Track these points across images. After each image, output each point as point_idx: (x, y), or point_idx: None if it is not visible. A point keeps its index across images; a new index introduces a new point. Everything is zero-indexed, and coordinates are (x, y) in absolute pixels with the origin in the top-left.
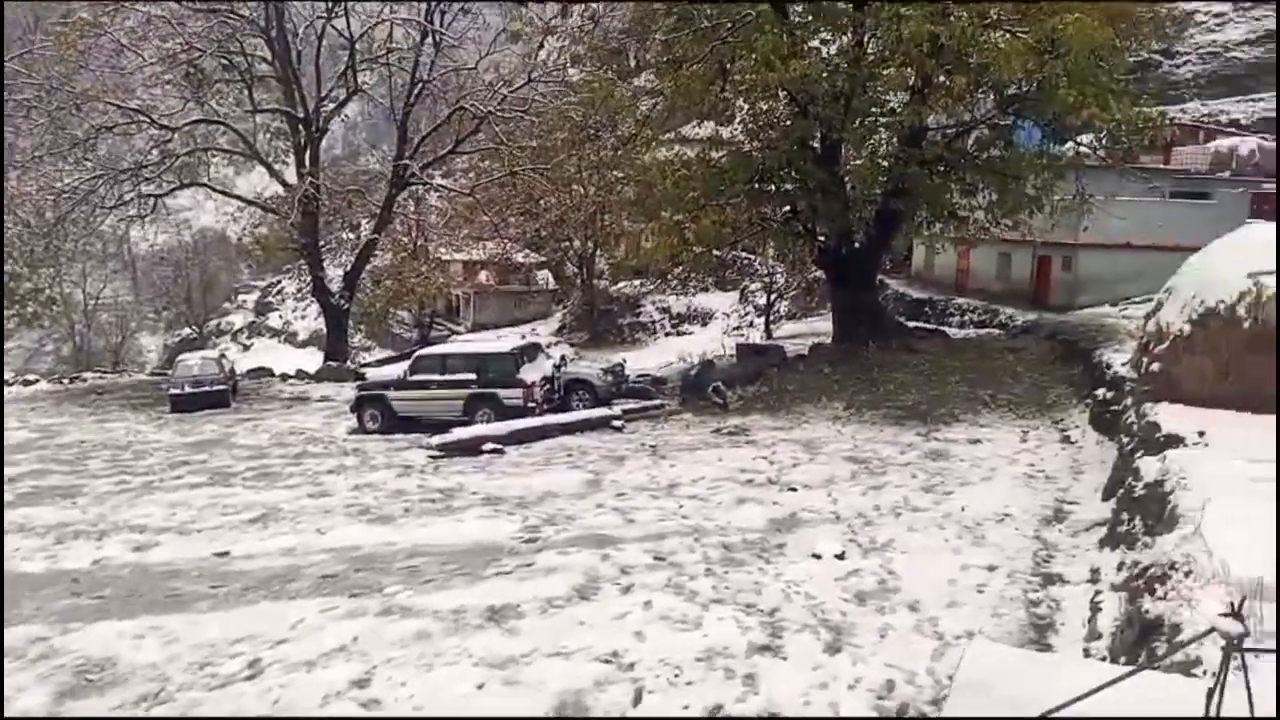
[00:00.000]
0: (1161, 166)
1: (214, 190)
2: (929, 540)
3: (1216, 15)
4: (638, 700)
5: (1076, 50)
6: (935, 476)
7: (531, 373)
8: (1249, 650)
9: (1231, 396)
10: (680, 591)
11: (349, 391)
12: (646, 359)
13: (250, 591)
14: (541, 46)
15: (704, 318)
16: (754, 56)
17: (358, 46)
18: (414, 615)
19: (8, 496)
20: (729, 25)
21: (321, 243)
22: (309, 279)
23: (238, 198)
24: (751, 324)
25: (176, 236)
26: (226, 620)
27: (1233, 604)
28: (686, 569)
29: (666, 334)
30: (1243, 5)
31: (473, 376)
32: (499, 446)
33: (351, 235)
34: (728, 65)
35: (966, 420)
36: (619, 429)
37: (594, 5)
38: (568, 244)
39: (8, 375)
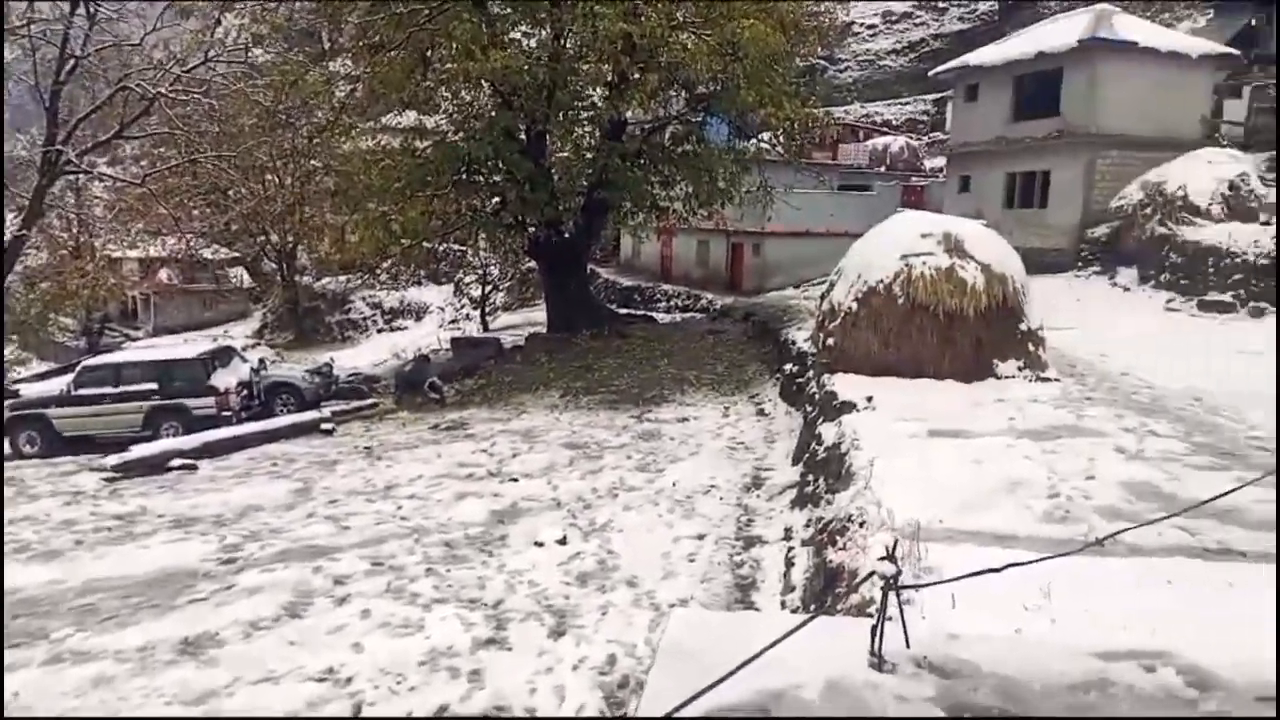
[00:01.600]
0: (830, 162)
1: None
2: (644, 517)
3: (869, 27)
4: (356, 715)
5: (753, 55)
6: (648, 456)
7: (225, 378)
8: (904, 587)
9: (892, 364)
10: (400, 595)
11: None
12: (358, 357)
13: None
14: (218, 23)
15: (418, 312)
16: (454, 46)
17: None
18: (90, 659)
19: None
20: (427, 13)
21: None
22: None
23: None
24: (468, 317)
25: None
26: None
27: (887, 547)
28: (407, 571)
29: (379, 330)
30: (891, 19)
31: (154, 386)
32: (190, 462)
33: None
34: (428, 53)
35: (675, 400)
36: (329, 432)
37: None
38: (264, 238)
39: None
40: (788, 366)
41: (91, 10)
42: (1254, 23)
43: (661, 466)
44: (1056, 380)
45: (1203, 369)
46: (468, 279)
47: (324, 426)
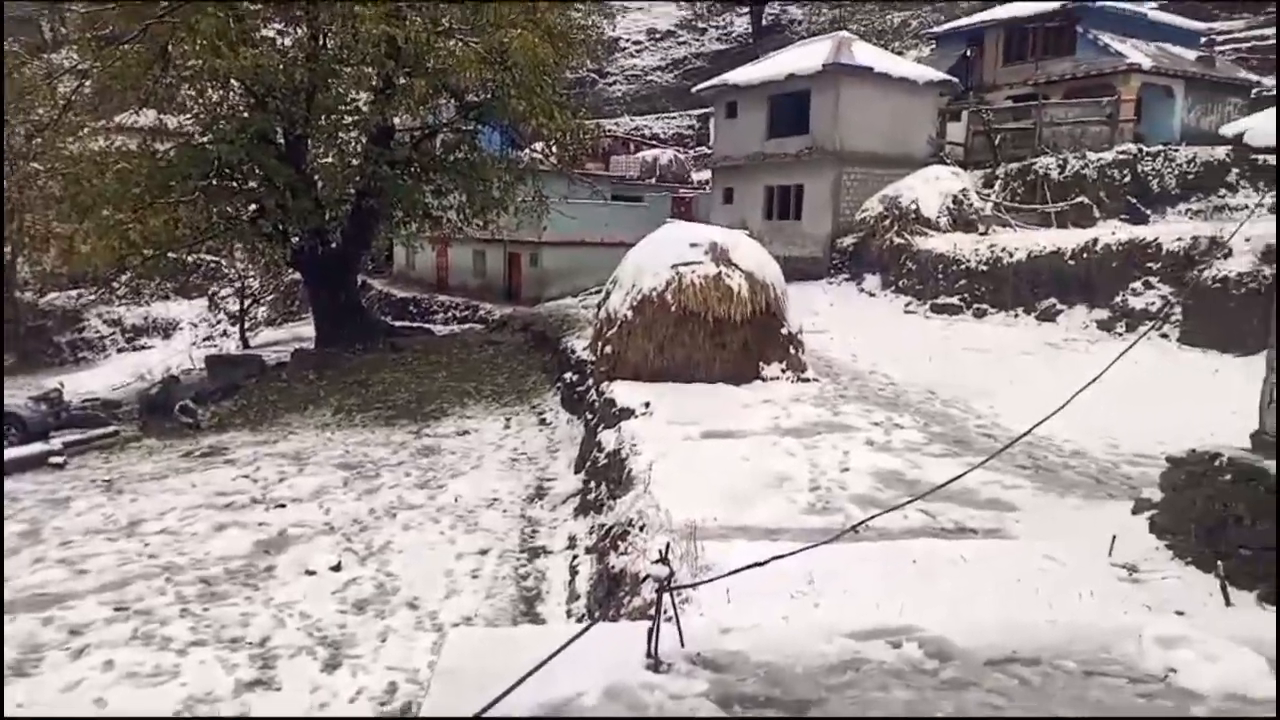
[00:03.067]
0: (603, 173)
1: None
2: (425, 535)
3: (636, 44)
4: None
5: (523, 64)
6: (428, 472)
7: None
8: (678, 588)
9: (668, 369)
10: (150, 641)
11: None
12: (95, 380)
13: None
14: None
15: (166, 329)
16: (198, 41)
17: None
18: None
19: None
20: (165, 4)
21: None
22: None
23: None
24: (225, 334)
25: None
26: None
27: (660, 550)
28: (157, 614)
29: (120, 350)
30: (655, 37)
31: None
32: None
33: None
34: (169, 47)
35: (455, 414)
36: (60, 466)
37: None
38: None
39: None
40: (568, 375)
41: None
42: (968, 54)
43: (442, 482)
44: (815, 380)
45: (937, 366)
46: (224, 292)
47: (53, 460)
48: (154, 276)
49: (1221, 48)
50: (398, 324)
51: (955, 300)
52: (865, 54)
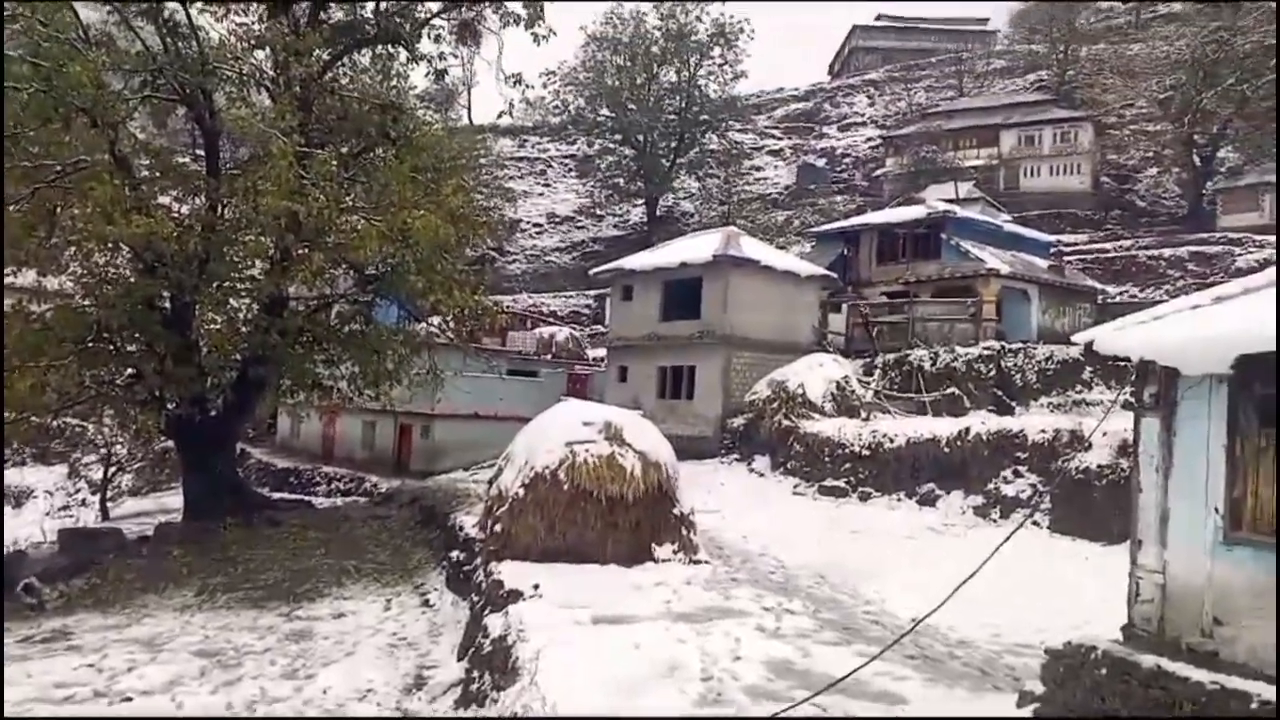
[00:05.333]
0: (499, 348)
1: None
2: None
3: (536, 225)
4: None
5: (424, 243)
6: (297, 659)
7: None
8: None
9: (559, 549)
10: None
11: None
12: None
13: None
14: None
15: (18, 498)
16: (90, 206)
17: None
18: None
19: None
20: (58, 168)
21: None
22: None
23: None
24: (84, 503)
25: None
26: None
27: None
28: None
29: None
30: (555, 220)
31: None
32: None
33: None
34: (56, 210)
35: (331, 594)
36: None
37: None
38: None
39: None
40: (455, 554)
41: None
42: (845, 253)
43: (312, 671)
44: (707, 563)
45: (825, 549)
46: (87, 459)
47: None
48: (12, 442)
49: (1069, 257)
50: (276, 496)
51: (841, 483)
52: (752, 247)
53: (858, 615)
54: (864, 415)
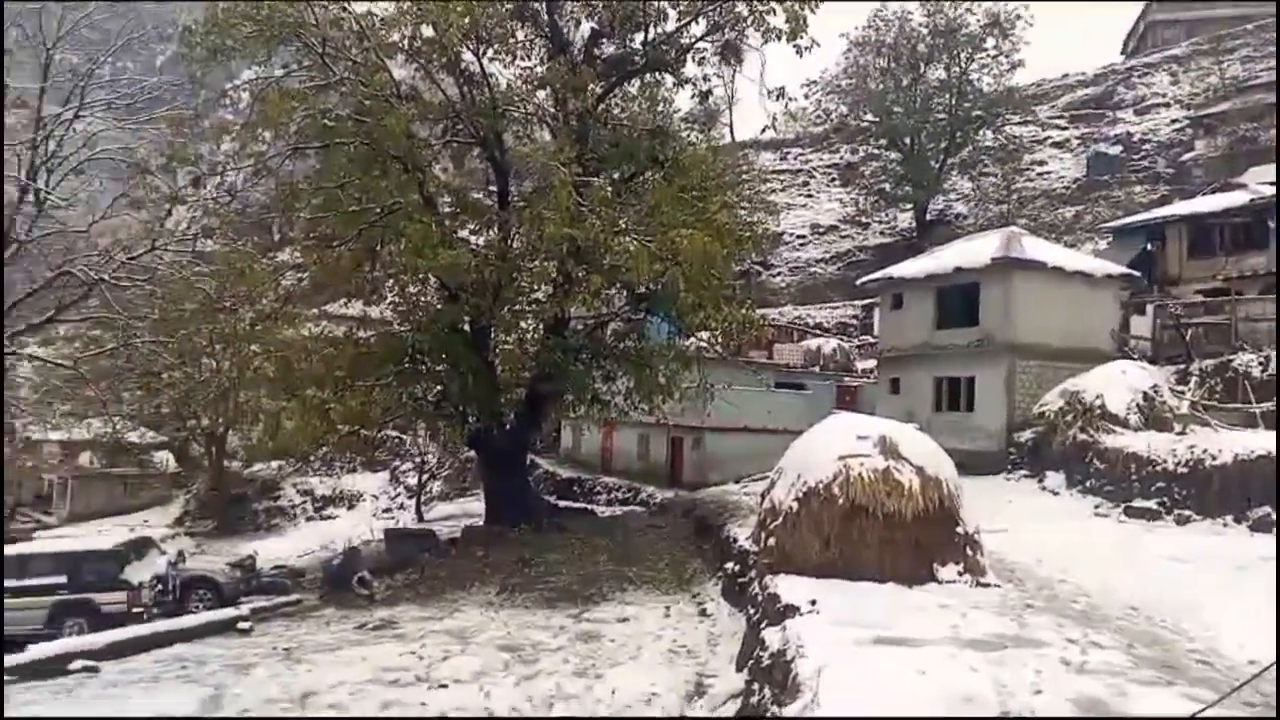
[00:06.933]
0: (766, 361)
1: None
2: None
3: (800, 237)
4: None
5: (692, 260)
6: (587, 659)
7: (140, 572)
8: None
9: (834, 565)
10: None
11: None
12: (285, 548)
13: None
14: (169, 214)
15: (351, 500)
16: (404, 243)
17: None
18: None
19: None
20: (378, 210)
21: None
22: None
23: None
24: (403, 506)
25: None
26: None
27: None
28: None
29: (309, 518)
30: (819, 231)
31: (62, 580)
32: (92, 664)
33: None
34: (377, 248)
35: (615, 599)
36: (246, 631)
37: (231, 178)
38: (194, 422)
39: None
40: (729, 565)
41: (40, 197)
42: (1149, 248)
43: (601, 671)
44: (996, 586)
45: (1136, 576)
46: (404, 467)
47: (241, 625)
48: (347, 451)
49: None
50: (562, 504)
51: (1153, 504)
52: (1036, 248)
53: (1180, 653)
54: (1178, 429)
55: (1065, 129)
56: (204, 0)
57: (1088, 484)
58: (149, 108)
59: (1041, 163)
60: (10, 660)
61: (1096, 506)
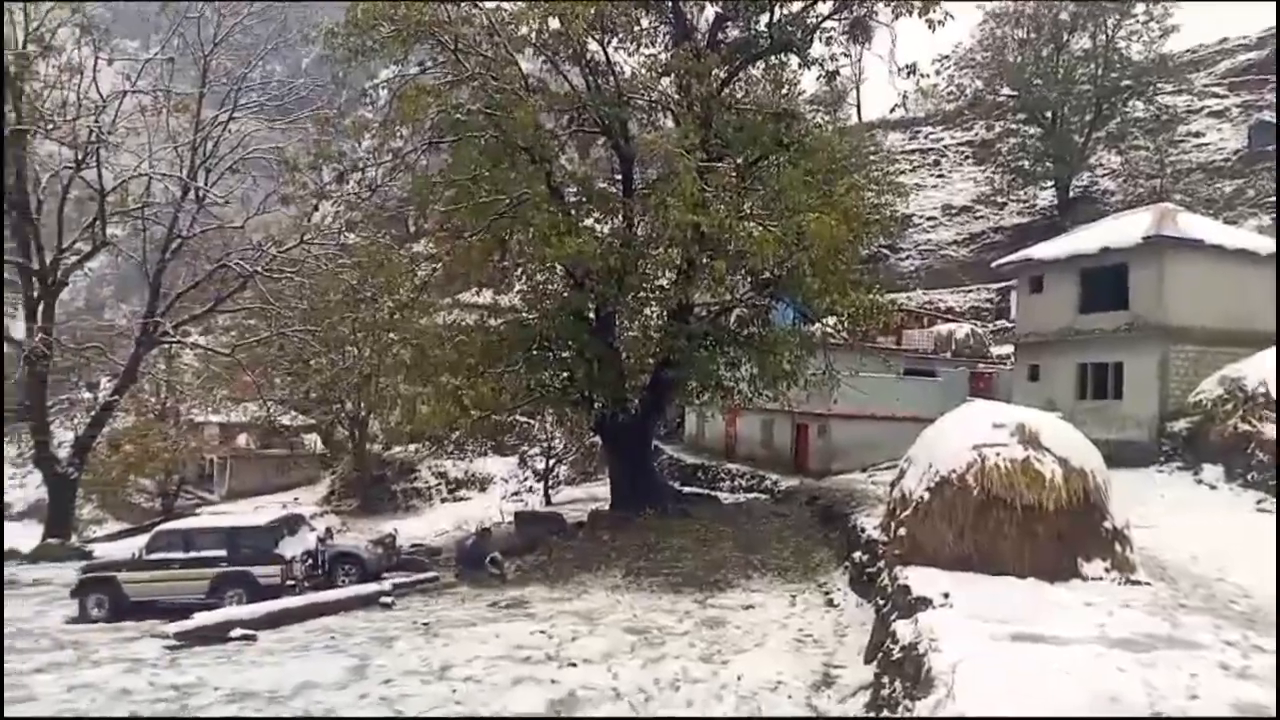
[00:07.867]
0: (894, 347)
1: None
2: (708, 714)
3: (930, 219)
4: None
5: (819, 244)
6: (712, 645)
7: (292, 547)
8: None
9: (968, 558)
10: None
11: (71, 573)
12: (421, 527)
13: None
14: (315, 209)
15: (482, 483)
16: (532, 232)
17: (109, 199)
18: None
19: None
20: (507, 201)
21: (50, 403)
22: (31, 444)
23: None
24: (531, 489)
25: None
26: None
27: None
28: None
29: (443, 500)
30: (951, 212)
31: (223, 553)
32: (250, 632)
33: (89, 395)
34: (506, 238)
35: (740, 586)
36: (388, 606)
37: (371, 173)
38: (339, 406)
39: None
40: (857, 555)
41: (200, 195)
42: None
43: (726, 657)
44: (1147, 584)
45: None
46: (532, 451)
47: (384, 600)
48: (478, 436)
49: None
50: (685, 489)
51: None
52: (1193, 225)
53: None
54: None
55: (1224, 97)
56: (345, 1)
57: (1249, 477)
58: (296, 108)
59: (1198, 134)
60: (174, 627)
61: (1259, 501)
